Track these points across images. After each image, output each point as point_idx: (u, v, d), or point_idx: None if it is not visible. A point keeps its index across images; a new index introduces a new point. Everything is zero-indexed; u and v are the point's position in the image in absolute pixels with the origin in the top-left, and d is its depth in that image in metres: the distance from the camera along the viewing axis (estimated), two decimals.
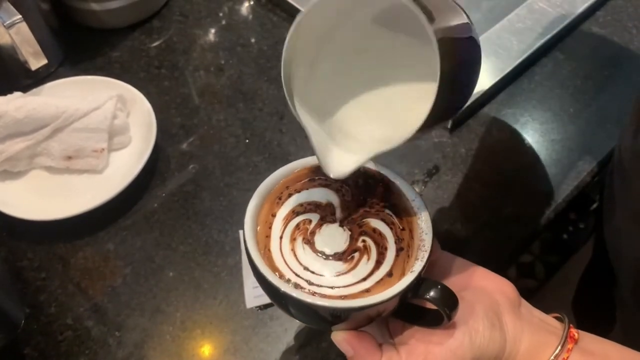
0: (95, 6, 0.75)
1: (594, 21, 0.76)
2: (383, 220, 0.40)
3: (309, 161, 0.43)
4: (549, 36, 0.71)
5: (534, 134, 0.66)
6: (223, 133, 0.68)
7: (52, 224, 0.58)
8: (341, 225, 0.40)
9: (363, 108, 0.39)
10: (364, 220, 0.40)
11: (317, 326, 0.42)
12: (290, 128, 0.67)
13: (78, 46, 0.76)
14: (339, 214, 0.41)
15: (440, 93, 0.32)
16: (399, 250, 0.39)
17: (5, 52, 0.66)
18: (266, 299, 0.54)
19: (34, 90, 0.66)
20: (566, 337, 0.39)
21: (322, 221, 0.40)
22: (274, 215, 0.41)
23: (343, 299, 0.36)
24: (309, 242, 0.39)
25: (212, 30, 0.78)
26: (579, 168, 0.63)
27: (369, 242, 0.39)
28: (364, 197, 0.42)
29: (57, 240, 0.59)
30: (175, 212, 0.61)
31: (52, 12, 0.73)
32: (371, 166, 0.43)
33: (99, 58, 0.75)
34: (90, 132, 0.62)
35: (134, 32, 0.78)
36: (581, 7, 0.74)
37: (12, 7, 0.61)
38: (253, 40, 0.77)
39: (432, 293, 0.36)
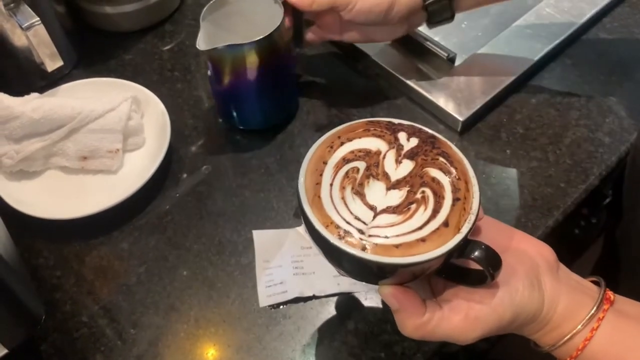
0: (109, 10, 0.76)
1: (601, 27, 0.77)
2: (440, 169, 0.40)
3: (363, 119, 0.43)
4: (557, 42, 0.72)
5: (542, 138, 0.67)
6: (235, 135, 0.68)
7: (67, 223, 0.59)
8: (398, 182, 0.39)
9: None
10: (424, 170, 0.40)
11: (363, 279, 0.42)
12: (302, 130, 0.68)
13: (92, 49, 0.77)
14: (392, 167, 0.40)
15: None
16: (455, 200, 0.38)
17: (22, 53, 0.68)
18: (279, 298, 0.55)
19: (50, 91, 0.67)
20: (602, 299, 0.40)
21: (369, 171, 0.40)
22: (325, 163, 0.40)
23: (397, 248, 0.36)
24: (359, 193, 0.39)
25: None
26: (588, 171, 0.64)
27: (428, 192, 0.38)
28: (417, 148, 0.41)
29: (72, 239, 0.60)
30: (188, 212, 0.62)
31: (67, 15, 0.74)
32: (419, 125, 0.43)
33: (112, 60, 0.76)
34: (105, 133, 0.63)
35: (147, 35, 0.79)
36: (588, 14, 0.75)
37: (29, 9, 0.62)
38: None
39: (477, 253, 0.37)
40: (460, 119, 0.66)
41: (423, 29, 0.71)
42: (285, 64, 0.65)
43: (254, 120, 0.68)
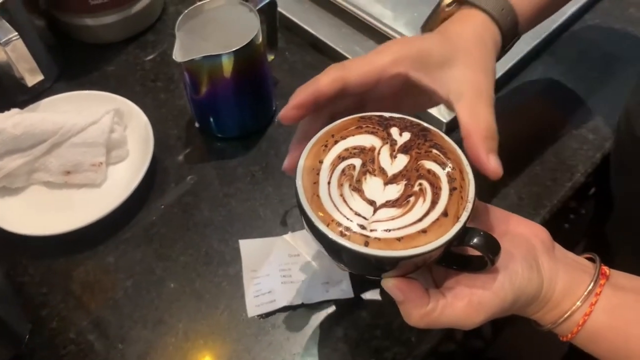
0: (89, 22, 0.75)
1: (583, 24, 0.77)
2: (435, 160, 0.41)
3: (354, 115, 0.44)
4: (538, 40, 0.72)
5: (526, 137, 0.67)
6: (220, 144, 0.68)
7: (52, 238, 0.58)
8: (394, 176, 0.40)
9: None
10: (419, 162, 0.40)
11: (366, 274, 0.43)
12: (287, 138, 0.68)
13: (73, 61, 0.76)
14: (388, 162, 0.41)
15: None
16: (452, 189, 0.39)
17: (1, 69, 0.67)
18: (267, 308, 0.55)
19: (31, 106, 0.67)
20: (598, 274, 0.41)
21: (366, 167, 0.40)
22: (321, 162, 0.41)
23: (399, 241, 0.37)
24: (357, 189, 0.39)
25: None
26: (573, 169, 0.64)
27: (425, 184, 0.39)
28: (410, 142, 0.42)
29: (58, 255, 0.60)
30: (174, 224, 0.62)
31: (46, 28, 0.74)
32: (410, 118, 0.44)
33: (95, 73, 0.75)
34: (88, 146, 0.62)
35: (129, 46, 0.78)
36: (569, 11, 0.75)
37: (7, 24, 0.61)
38: None
39: (476, 240, 0.38)
40: (444, 120, 0.65)
41: (402, 28, 0.71)
42: (261, 70, 0.65)
43: (232, 128, 0.68)
